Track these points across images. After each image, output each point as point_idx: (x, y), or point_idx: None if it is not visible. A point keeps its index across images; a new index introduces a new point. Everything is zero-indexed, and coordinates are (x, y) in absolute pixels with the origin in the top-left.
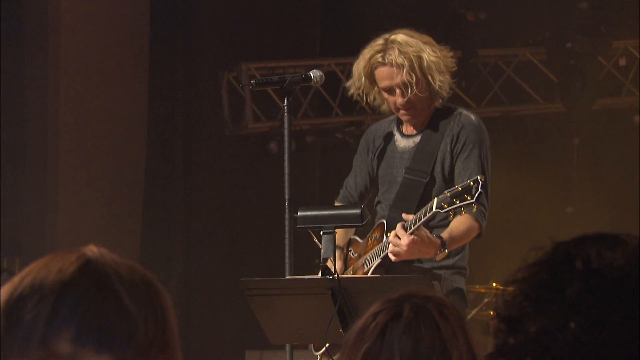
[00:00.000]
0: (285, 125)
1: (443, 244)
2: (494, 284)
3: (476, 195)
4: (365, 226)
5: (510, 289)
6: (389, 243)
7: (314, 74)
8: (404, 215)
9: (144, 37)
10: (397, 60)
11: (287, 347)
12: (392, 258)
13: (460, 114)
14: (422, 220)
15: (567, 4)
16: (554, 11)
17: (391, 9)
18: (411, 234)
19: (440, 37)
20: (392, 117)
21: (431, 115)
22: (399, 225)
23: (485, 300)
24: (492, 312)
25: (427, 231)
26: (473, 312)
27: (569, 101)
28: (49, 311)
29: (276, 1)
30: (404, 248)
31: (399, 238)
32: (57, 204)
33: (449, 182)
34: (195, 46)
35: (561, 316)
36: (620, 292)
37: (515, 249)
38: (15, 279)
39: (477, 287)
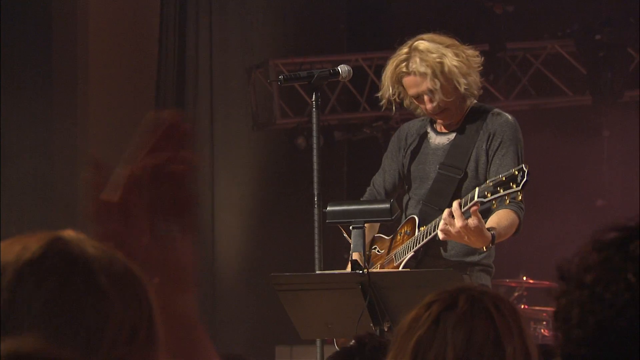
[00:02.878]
0: (314, 120)
1: (492, 239)
2: (524, 278)
3: (522, 183)
4: (394, 221)
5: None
6: (434, 227)
7: (342, 69)
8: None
9: (175, 32)
10: (419, 69)
11: (318, 342)
12: (440, 236)
13: (497, 113)
14: (463, 210)
15: None
16: (582, 3)
17: (417, 3)
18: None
19: (467, 30)
20: (425, 116)
21: (466, 114)
22: (455, 203)
23: (515, 294)
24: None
25: (483, 223)
26: None
27: (598, 93)
28: (8, 288)
29: None
30: (455, 230)
31: (453, 217)
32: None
33: (482, 180)
34: (224, 42)
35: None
36: None
37: (545, 243)
38: None
39: (507, 281)
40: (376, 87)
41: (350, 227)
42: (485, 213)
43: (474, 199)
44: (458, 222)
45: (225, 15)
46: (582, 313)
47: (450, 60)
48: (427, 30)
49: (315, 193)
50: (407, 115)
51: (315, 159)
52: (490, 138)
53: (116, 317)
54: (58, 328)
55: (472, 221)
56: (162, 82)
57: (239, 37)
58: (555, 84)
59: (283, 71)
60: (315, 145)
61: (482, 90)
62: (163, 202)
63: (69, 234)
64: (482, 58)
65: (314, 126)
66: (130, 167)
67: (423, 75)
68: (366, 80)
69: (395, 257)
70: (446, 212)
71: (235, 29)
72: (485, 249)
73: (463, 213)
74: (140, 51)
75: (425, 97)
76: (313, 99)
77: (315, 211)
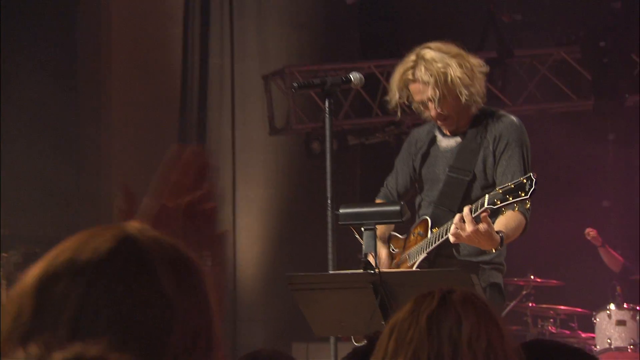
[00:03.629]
0: (327, 125)
1: (501, 241)
2: (532, 277)
3: (530, 191)
4: (405, 223)
5: None
6: (446, 230)
7: (354, 76)
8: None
9: (195, 41)
10: (423, 77)
11: (332, 340)
12: (452, 239)
13: (502, 115)
14: (474, 215)
15: (600, 4)
16: (587, 11)
17: (428, 12)
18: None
19: (476, 38)
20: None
21: (473, 118)
22: (466, 209)
23: (524, 292)
24: None
25: (493, 227)
26: (512, 304)
27: (602, 98)
28: (81, 292)
29: (318, 8)
30: (466, 234)
31: (464, 222)
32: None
33: (490, 181)
34: (242, 51)
35: None
36: None
37: (552, 243)
38: (50, 256)
39: (516, 279)
40: (388, 94)
41: (362, 229)
42: (494, 213)
43: (484, 205)
44: (469, 227)
45: (244, 24)
46: None
47: (454, 71)
48: (437, 39)
49: (329, 196)
50: (418, 121)
51: (328, 163)
52: (497, 140)
53: (179, 326)
54: (124, 335)
55: (482, 226)
56: (186, 90)
57: (256, 45)
58: (561, 89)
59: (298, 78)
60: (328, 150)
61: (486, 98)
62: (197, 237)
63: (136, 229)
64: (488, 67)
65: (327, 131)
66: (161, 200)
67: (426, 83)
68: (378, 87)
69: (409, 257)
70: (457, 217)
71: (252, 37)
72: (494, 251)
73: (474, 218)
74: (165, 59)
75: (429, 104)
76: (326, 105)
77: (329, 213)
